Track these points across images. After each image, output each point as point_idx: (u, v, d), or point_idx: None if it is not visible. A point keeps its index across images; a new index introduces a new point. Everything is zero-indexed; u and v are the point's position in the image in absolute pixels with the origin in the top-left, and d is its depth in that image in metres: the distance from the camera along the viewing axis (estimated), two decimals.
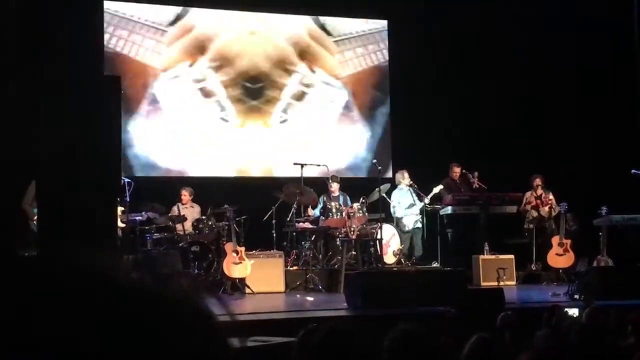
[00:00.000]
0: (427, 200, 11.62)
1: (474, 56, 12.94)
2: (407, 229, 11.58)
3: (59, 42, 10.87)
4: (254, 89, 12.74)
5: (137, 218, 10.03)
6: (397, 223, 11.61)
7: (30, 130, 7.05)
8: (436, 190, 11.63)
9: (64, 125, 6.46)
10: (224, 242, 10.15)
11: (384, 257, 10.98)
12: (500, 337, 4.33)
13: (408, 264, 11.22)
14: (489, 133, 12.79)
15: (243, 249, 10.00)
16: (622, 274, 9.14)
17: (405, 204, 11.65)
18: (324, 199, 11.12)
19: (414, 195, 11.65)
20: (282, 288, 10.24)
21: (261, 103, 12.79)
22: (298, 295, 10.00)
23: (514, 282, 10.79)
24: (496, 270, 10.68)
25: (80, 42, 11.31)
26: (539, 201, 11.66)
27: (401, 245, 11.39)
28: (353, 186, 11.62)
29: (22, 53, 10.51)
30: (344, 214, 10.63)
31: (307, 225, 10.92)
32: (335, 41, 13.28)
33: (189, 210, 10.88)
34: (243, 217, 10.40)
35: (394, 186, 11.77)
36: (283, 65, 12.92)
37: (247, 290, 9.92)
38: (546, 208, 11.66)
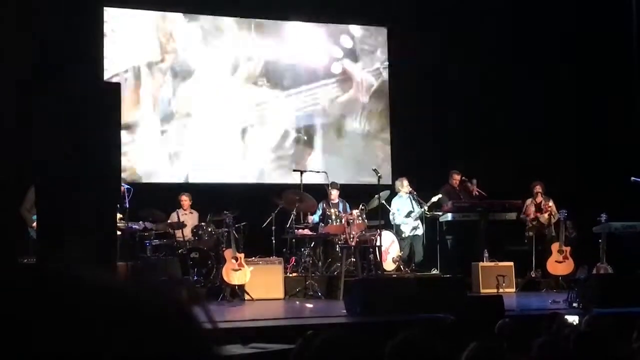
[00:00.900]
0: (425, 208, 11.61)
1: (474, 63, 12.94)
2: (404, 235, 11.59)
3: (59, 49, 10.89)
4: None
5: (134, 227, 10.03)
6: (396, 230, 11.62)
7: (30, 137, 7.06)
8: (434, 199, 11.64)
9: (63, 132, 6.47)
10: (223, 249, 10.15)
11: (384, 264, 10.97)
12: (499, 344, 4.33)
13: (407, 270, 11.21)
14: (489, 140, 12.80)
15: (242, 255, 9.99)
16: (622, 282, 9.13)
17: (404, 211, 11.65)
18: (323, 205, 11.12)
19: (413, 202, 11.66)
20: (281, 295, 10.23)
21: None
22: (297, 302, 9.99)
23: (513, 290, 10.78)
24: (496, 278, 10.68)
25: (80, 48, 11.33)
26: (537, 213, 11.65)
27: (400, 252, 11.39)
28: (352, 193, 11.62)
29: (23, 59, 10.54)
30: (343, 220, 10.64)
31: (307, 231, 10.91)
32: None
33: (188, 217, 10.88)
34: (242, 223, 10.40)
35: (393, 193, 11.78)
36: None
37: (247, 297, 9.91)
38: (545, 215, 11.66)
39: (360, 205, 10.75)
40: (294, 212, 10.83)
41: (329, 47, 13.27)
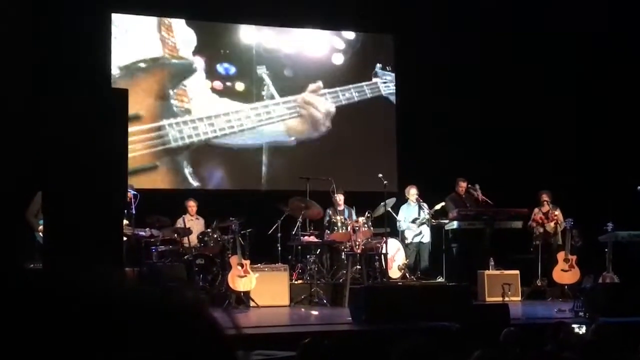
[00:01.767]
0: (427, 214, 11.58)
1: (479, 71, 12.94)
2: (408, 241, 11.60)
3: (67, 55, 10.93)
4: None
5: (141, 233, 10.04)
6: (402, 237, 11.62)
7: (37, 142, 7.08)
8: (438, 206, 11.65)
9: (71, 138, 6.49)
10: (229, 255, 10.15)
11: (389, 271, 10.96)
12: (504, 352, 4.32)
13: (413, 278, 11.20)
14: (496, 148, 12.79)
15: (248, 262, 9.99)
16: (628, 291, 9.10)
17: (410, 218, 11.67)
18: (329, 212, 11.12)
19: (420, 211, 11.66)
20: (286, 302, 10.22)
21: None
22: (303, 309, 9.98)
23: (519, 298, 10.75)
24: (501, 286, 10.66)
25: (88, 54, 11.37)
26: (545, 220, 11.63)
27: (406, 259, 11.38)
28: (358, 200, 11.61)
29: (31, 65, 10.58)
30: (349, 228, 10.63)
31: (313, 238, 10.91)
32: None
33: (194, 223, 10.89)
34: (248, 230, 10.41)
35: (400, 200, 11.78)
36: None
37: (252, 304, 9.91)
38: (552, 224, 11.63)
39: (366, 213, 10.76)
40: (300, 219, 10.84)
41: (334, 52, 13.30)
